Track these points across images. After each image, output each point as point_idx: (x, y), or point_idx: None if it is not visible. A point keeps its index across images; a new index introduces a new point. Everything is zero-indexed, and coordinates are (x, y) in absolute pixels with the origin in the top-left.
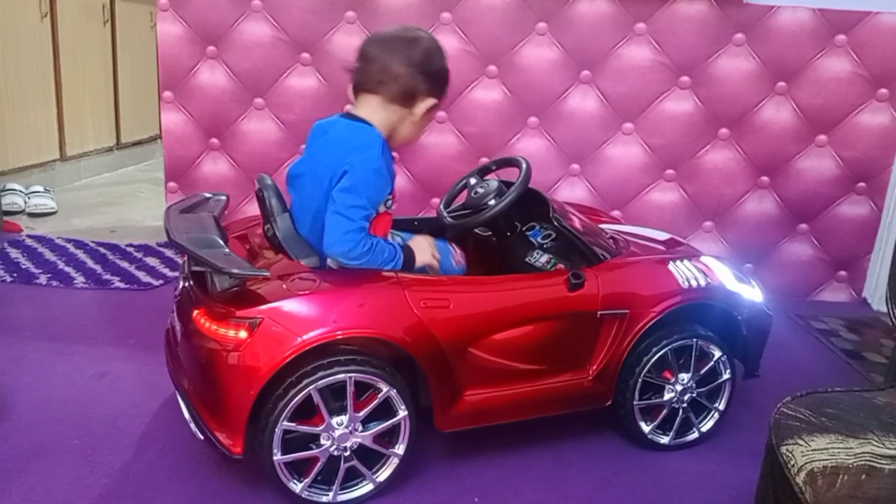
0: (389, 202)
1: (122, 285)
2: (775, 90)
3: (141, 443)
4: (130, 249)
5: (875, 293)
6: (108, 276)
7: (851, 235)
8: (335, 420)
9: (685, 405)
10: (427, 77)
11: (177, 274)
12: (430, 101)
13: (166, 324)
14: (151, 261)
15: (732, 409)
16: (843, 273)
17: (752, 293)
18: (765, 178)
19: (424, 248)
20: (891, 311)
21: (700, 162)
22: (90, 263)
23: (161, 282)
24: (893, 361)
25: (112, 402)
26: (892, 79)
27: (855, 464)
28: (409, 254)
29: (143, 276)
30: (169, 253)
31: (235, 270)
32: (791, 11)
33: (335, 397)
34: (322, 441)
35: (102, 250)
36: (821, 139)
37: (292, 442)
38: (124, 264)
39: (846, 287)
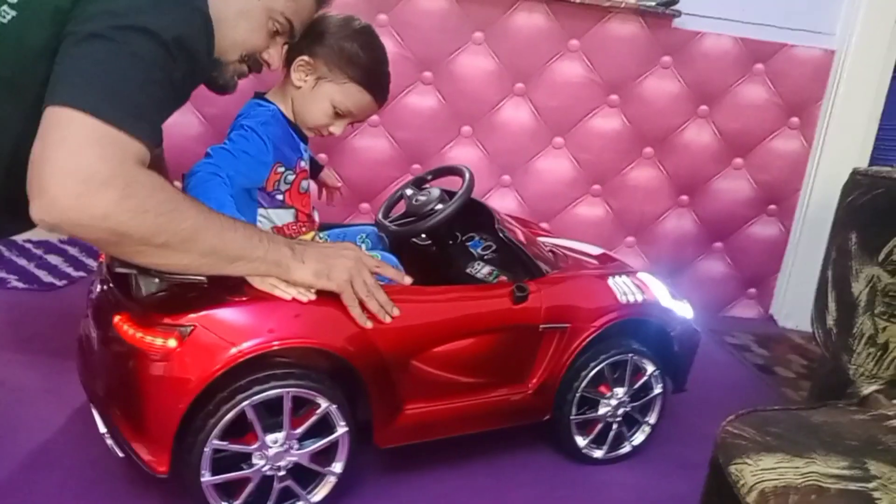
0: None
1: (20, 285)
2: (697, 113)
3: (47, 460)
4: (29, 246)
5: (781, 310)
6: (3, 275)
7: (761, 255)
8: (269, 438)
9: (619, 419)
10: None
11: (82, 274)
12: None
13: (78, 329)
14: (53, 259)
15: (660, 423)
16: (752, 290)
17: (683, 309)
18: (684, 197)
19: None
20: (815, 331)
21: (625, 179)
22: None
23: (65, 282)
24: (817, 380)
25: (13, 415)
26: (803, 108)
27: (803, 483)
28: None
29: (44, 276)
30: (73, 251)
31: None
32: (715, 38)
33: (269, 413)
34: (255, 460)
35: None
36: (737, 162)
37: (222, 461)
38: (22, 262)
39: (755, 304)
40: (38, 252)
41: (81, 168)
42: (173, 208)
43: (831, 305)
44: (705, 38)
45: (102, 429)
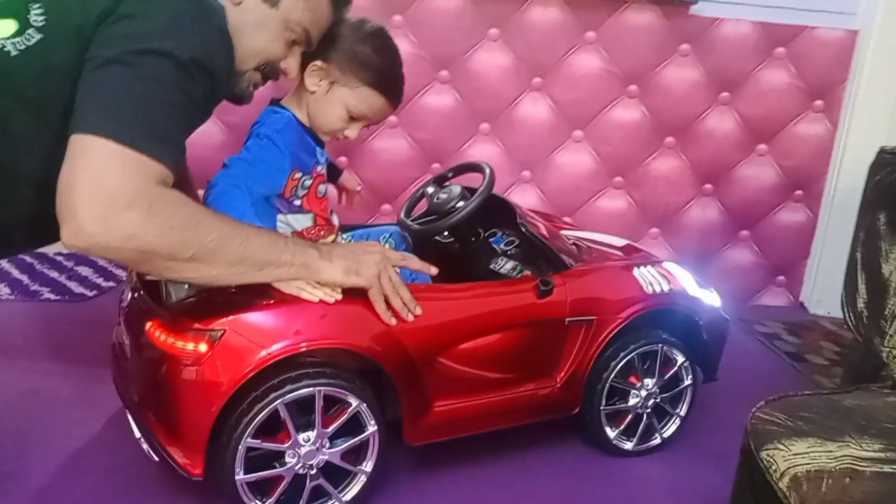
0: None
1: (52, 296)
2: (719, 100)
3: (83, 465)
4: (60, 258)
5: (812, 297)
6: (36, 287)
7: (789, 241)
8: (301, 436)
9: (649, 410)
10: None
11: (111, 284)
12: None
13: (111, 338)
14: (83, 270)
15: (690, 414)
16: (781, 278)
17: (711, 298)
18: (708, 186)
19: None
20: (846, 315)
21: (647, 169)
22: (15, 273)
23: (95, 292)
24: (850, 365)
25: (48, 423)
26: (828, 90)
27: (837, 467)
28: None
29: (75, 287)
30: (103, 262)
31: None
32: (734, 23)
33: (301, 412)
34: (287, 459)
35: (29, 259)
36: (761, 148)
37: (255, 460)
38: (54, 274)
39: (784, 291)
40: (69, 264)
41: (106, 192)
42: (197, 222)
43: (861, 288)
44: (724, 24)
45: (137, 434)
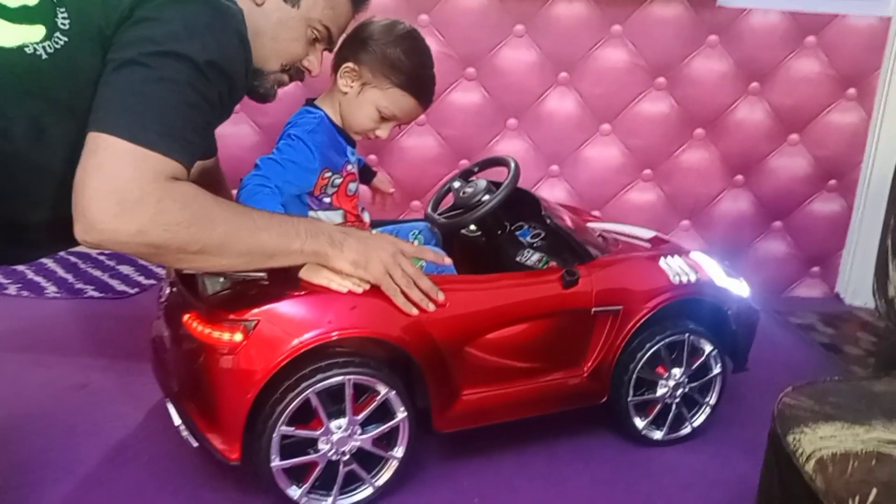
0: None
1: (95, 294)
2: (748, 91)
3: (126, 454)
4: (102, 258)
5: (847, 288)
6: (80, 286)
7: (823, 232)
8: (333, 424)
9: (678, 400)
10: None
11: (152, 282)
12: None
13: (151, 332)
14: (125, 269)
15: (721, 404)
16: (816, 269)
17: (739, 288)
18: (739, 177)
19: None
20: (877, 302)
21: (676, 162)
22: (61, 272)
23: (136, 290)
24: (882, 351)
25: (93, 414)
26: (861, 78)
27: (864, 450)
28: None
29: (117, 285)
30: (143, 261)
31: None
32: (762, 14)
33: (333, 401)
34: (320, 445)
35: (73, 259)
36: (793, 138)
37: (290, 447)
38: (97, 273)
39: (820, 283)
40: (111, 263)
41: (116, 190)
42: (204, 216)
43: (893, 275)
44: (752, 15)
45: (177, 421)
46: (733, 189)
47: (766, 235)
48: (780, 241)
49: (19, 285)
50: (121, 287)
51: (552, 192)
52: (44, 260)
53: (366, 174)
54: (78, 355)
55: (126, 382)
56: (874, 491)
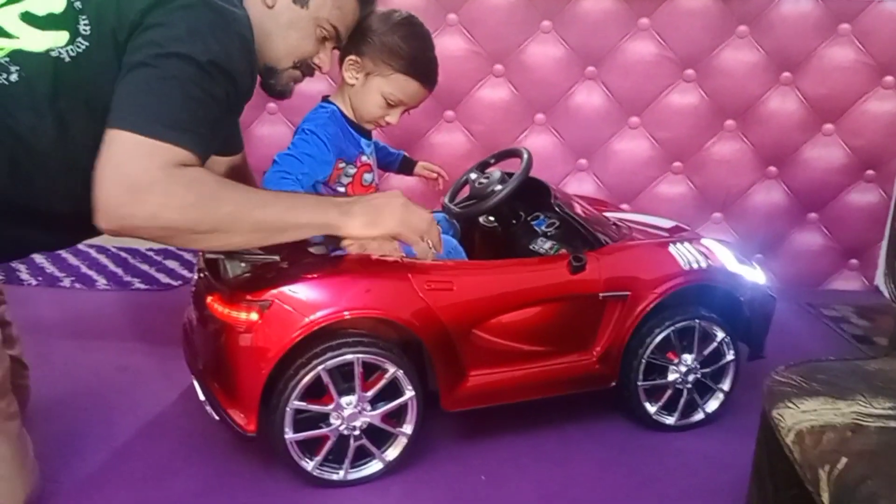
0: None
1: (142, 286)
2: (780, 80)
3: (161, 430)
4: (150, 253)
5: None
6: (128, 279)
7: (861, 223)
8: (344, 400)
9: (690, 386)
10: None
11: (194, 276)
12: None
13: (183, 318)
14: (171, 263)
15: (738, 391)
16: (854, 261)
17: (754, 275)
18: (772, 169)
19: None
20: (890, 288)
21: (707, 154)
22: (111, 267)
23: (180, 282)
24: (892, 337)
25: (133, 394)
26: None
27: (842, 423)
28: None
29: (162, 278)
30: (188, 256)
31: (246, 255)
32: (793, 2)
33: (344, 379)
34: (332, 420)
35: (123, 254)
36: (827, 128)
37: (303, 422)
38: (144, 267)
39: (858, 275)
40: (158, 258)
41: (127, 179)
42: (211, 197)
43: None
44: (782, 3)
45: (202, 397)
46: (766, 181)
47: (801, 227)
48: (815, 234)
49: (73, 278)
50: (165, 280)
51: (581, 186)
52: (96, 255)
53: (407, 166)
54: (122, 341)
55: (164, 365)
56: (843, 460)
